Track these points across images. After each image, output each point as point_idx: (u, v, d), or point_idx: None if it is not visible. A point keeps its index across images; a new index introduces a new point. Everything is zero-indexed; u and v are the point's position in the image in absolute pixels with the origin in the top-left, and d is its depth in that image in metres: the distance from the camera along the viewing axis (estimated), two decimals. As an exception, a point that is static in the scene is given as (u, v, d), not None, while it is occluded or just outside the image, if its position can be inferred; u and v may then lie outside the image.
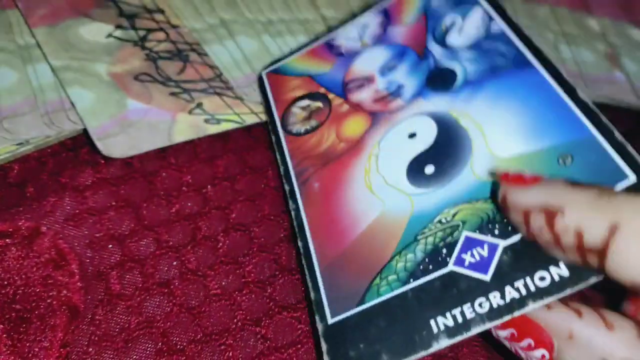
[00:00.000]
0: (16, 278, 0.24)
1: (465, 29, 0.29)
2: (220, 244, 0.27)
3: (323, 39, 0.32)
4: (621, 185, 0.20)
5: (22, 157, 0.28)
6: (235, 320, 0.24)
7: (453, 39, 0.28)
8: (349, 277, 0.23)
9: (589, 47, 0.42)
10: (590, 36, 0.42)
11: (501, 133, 0.24)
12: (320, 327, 0.22)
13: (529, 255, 0.20)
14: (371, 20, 0.32)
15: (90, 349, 0.23)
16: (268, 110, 0.30)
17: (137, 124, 0.29)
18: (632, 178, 0.20)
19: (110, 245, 0.26)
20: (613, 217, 0.16)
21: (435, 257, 0.22)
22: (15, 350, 0.22)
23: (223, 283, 0.25)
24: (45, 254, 0.25)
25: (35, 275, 0.24)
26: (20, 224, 0.25)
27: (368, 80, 0.29)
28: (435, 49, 0.29)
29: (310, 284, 0.23)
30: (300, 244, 0.25)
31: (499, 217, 0.21)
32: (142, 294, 0.24)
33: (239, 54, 0.33)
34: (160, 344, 0.23)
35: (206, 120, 0.30)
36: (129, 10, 0.34)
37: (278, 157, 0.28)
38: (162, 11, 0.34)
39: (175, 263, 0.26)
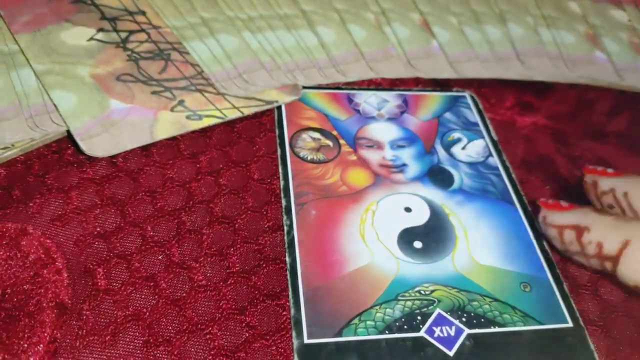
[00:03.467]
0: (5, 278, 0.24)
1: (468, 149, 0.32)
2: (205, 236, 0.27)
3: (344, 91, 0.34)
4: (561, 326, 0.25)
5: (8, 161, 0.28)
6: (220, 310, 0.25)
7: (456, 151, 0.32)
8: (330, 307, 0.24)
9: (569, 29, 0.42)
10: (570, 18, 0.43)
11: (481, 242, 0.28)
12: (295, 342, 0.23)
13: (485, 349, 0.24)
14: (391, 99, 0.34)
15: (78, 343, 0.23)
16: (279, 124, 0.32)
17: (120, 123, 0.30)
18: (570, 324, 0.25)
19: (96, 243, 0.26)
20: (626, 235, 0.22)
21: (410, 320, 0.25)
22: (4, 346, 0.22)
23: (208, 274, 0.26)
24: (33, 253, 0.25)
25: (24, 274, 0.25)
26: (7, 226, 0.26)
27: (378, 145, 0.31)
28: (440, 150, 0.32)
29: (291, 301, 0.25)
30: (288, 259, 0.26)
31: (469, 308, 0.25)
32: (128, 289, 0.25)
33: (220, 50, 0.34)
34: (147, 335, 0.24)
35: (188, 117, 0.31)
36: (110, 13, 0.34)
37: (280, 170, 0.30)
38: (143, 12, 0.35)
39: (160, 257, 0.26)
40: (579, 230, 0.23)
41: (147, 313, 0.24)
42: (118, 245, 0.26)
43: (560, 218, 0.25)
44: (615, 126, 0.37)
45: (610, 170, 0.27)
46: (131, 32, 0.34)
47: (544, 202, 0.26)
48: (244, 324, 0.25)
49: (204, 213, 0.28)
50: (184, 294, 0.25)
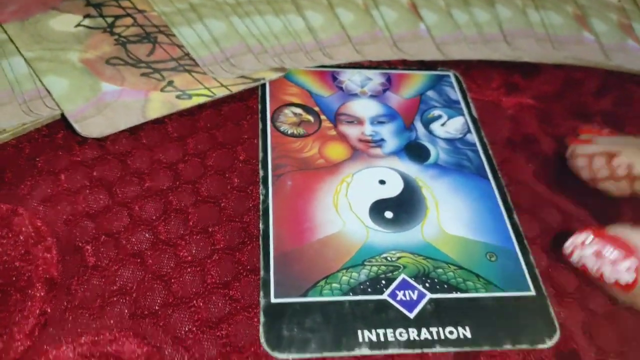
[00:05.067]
0: (-4, 255, 0.25)
1: (448, 126, 0.33)
2: (191, 215, 0.28)
3: (329, 69, 0.35)
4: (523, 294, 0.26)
5: (0, 145, 0.29)
6: (205, 285, 0.26)
7: (436, 127, 0.33)
8: (299, 270, 0.26)
9: (557, 10, 0.42)
10: (558, -1, 0.43)
11: (451, 214, 0.29)
12: (262, 302, 0.25)
13: (445, 313, 0.25)
14: (375, 77, 0.36)
15: (67, 315, 0.24)
16: (262, 99, 0.33)
17: (112, 104, 0.30)
18: (532, 292, 0.26)
19: (85, 222, 0.27)
20: None
21: (374, 284, 0.26)
22: (-5, 320, 0.23)
23: (193, 251, 0.27)
24: (24, 232, 0.26)
25: (15, 252, 0.25)
26: (-1, 206, 0.27)
27: (358, 121, 0.33)
28: (419, 126, 0.33)
29: (262, 264, 0.26)
30: (261, 226, 0.27)
31: (433, 275, 0.26)
32: (115, 265, 0.26)
33: (207, 35, 0.34)
34: (133, 308, 0.25)
35: (178, 96, 0.31)
36: (95, -1, 0.35)
37: (260, 143, 0.31)
38: (128, -2, 0.35)
39: (147, 235, 0.27)
40: (610, 156, 0.25)
41: (134, 288, 0.25)
42: (106, 224, 0.27)
43: (590, 148, 0.27)
44: (602, 105, 0.37)
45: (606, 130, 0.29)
46: (117, 17, 0.34)
47: (573, 138, 0.29)
48: (227, 298, 0.25)
49: (190, 193, 0.29)
50: (170, 270, 0.26)
